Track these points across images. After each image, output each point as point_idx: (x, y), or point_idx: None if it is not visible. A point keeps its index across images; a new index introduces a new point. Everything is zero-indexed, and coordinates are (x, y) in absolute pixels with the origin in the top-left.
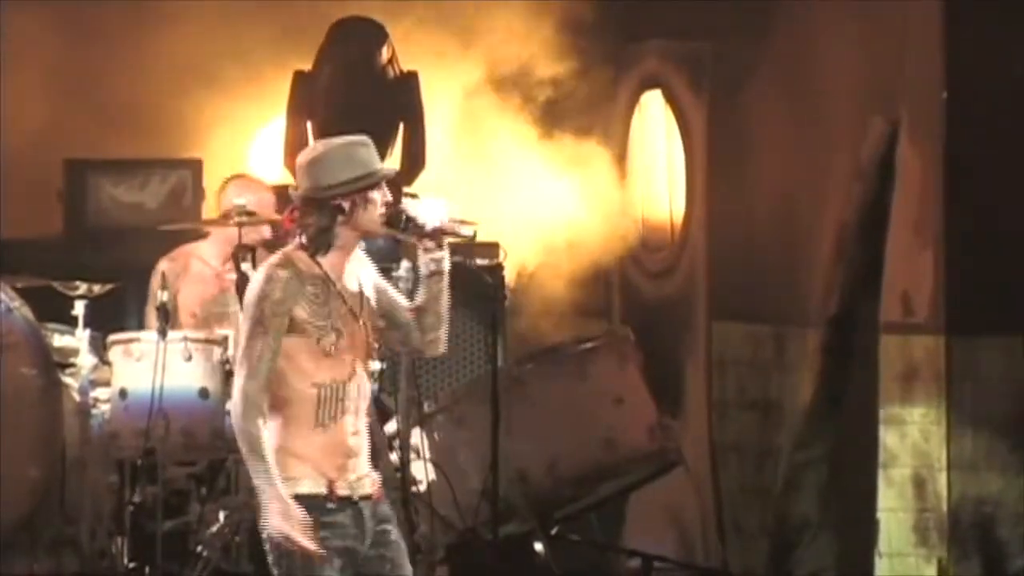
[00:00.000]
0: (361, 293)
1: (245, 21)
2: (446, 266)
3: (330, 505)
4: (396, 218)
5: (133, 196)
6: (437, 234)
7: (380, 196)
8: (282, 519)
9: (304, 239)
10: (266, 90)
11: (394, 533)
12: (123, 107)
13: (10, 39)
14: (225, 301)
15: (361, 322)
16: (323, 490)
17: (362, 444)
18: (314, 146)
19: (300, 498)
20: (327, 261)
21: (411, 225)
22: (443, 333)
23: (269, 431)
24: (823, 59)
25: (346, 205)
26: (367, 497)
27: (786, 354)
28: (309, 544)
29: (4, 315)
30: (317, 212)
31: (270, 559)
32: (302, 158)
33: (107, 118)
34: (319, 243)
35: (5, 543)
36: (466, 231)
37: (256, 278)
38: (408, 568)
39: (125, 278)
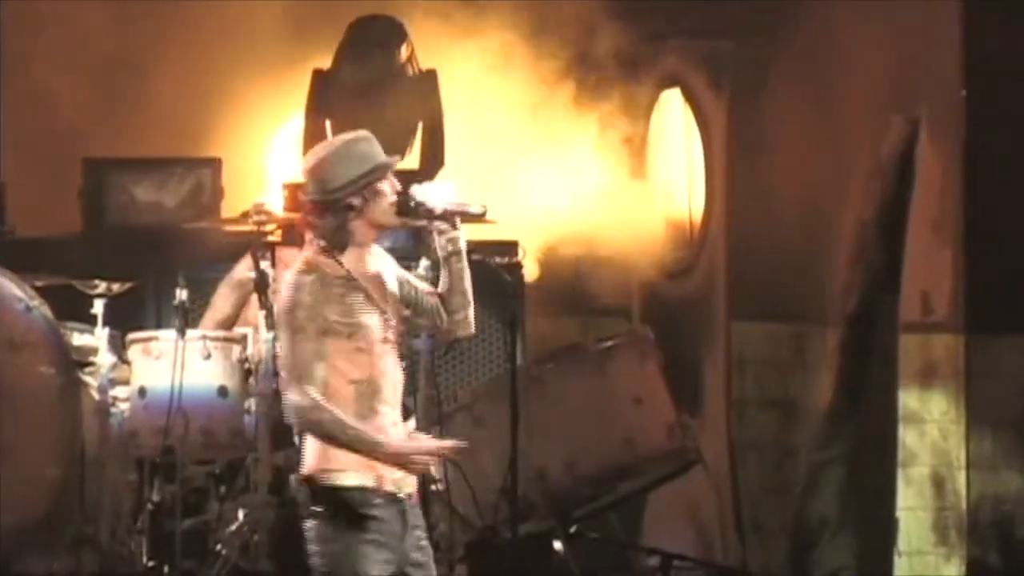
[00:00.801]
0: (383, 286)
1: (263, 20)
2: (463, 245)
3: (376, 500)
4: (405, 204)
5: (152, 195)
6: (448, 215)
7: (389, 187)
8: (408, 457)
9: (322, 241)
10: (285, 89)
11: (424, 540)
12: (142, 106)
13: (30, 39)
14: None
15: (387, 315)
16: (371, 483)
17: (401, 437)
18: (315, 150)
19: (345, 490)
20: (347, 259)
21: (421, 209)
22: (471, 312)
23: None
24: (843, 58)
25: (356, 202)
26: (409, 496)
27: (805, 353)
28: (446, 443)
29: (23, 314)
30: (329, 214)
31: (314, 554)
32: (307, 163)
33: (126, 117)
34: (336, 243)
35: (25, 542)
36: (475, 210)
37: (285, 288)
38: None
39: (144, 277)
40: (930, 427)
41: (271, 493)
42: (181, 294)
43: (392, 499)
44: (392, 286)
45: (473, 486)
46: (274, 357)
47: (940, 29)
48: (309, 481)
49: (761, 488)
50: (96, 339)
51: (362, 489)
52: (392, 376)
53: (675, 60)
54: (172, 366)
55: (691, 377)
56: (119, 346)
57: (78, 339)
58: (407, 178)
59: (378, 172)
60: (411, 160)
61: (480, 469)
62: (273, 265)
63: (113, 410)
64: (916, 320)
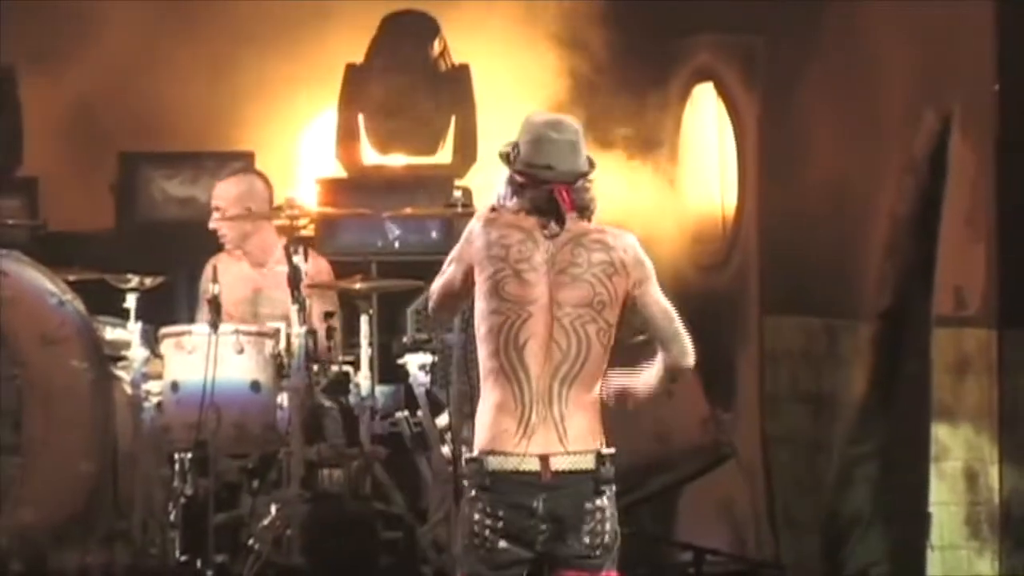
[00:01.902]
0: None
1: (295, 14)
2: None
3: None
4: None
5: (185, 189)
6: None
7: None
8: None
9: (589, 215)
10: (317, 83)
11: None
12: (175, 100)
13: (63, 36)
14: (257, 301)
15: None
16: None
17: None
18: (566, 116)
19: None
20: None
21: None
22: None
23: (595, 405)
24: (875, 52)
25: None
26: None
27: (838, 347)
28: None
29: (56, 308)
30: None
31: (609, 532)
32: (577, 131)
33: (159, 111)
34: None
35: (58, 536)
36: None
37: (639, 250)
38: None
39: (177, 271)
40: (963, 421)
41: (304, 487)
42: (214, 288)
43: None
44: None
45: None
46: (306, 351)
47: (973, 23)
48: (610, 459)
49: (794, 483)
50: (129, 333)
51: None
52: None
53: (708, 55)
54: (205, 360)
55: (724, 372)
56: (152, 340)
57: (111, 333)
58: (441, 172)
59: None
60: (444, 155)
61: None
62: (306, 260)
63: (146, 404)
64: (949, 314)
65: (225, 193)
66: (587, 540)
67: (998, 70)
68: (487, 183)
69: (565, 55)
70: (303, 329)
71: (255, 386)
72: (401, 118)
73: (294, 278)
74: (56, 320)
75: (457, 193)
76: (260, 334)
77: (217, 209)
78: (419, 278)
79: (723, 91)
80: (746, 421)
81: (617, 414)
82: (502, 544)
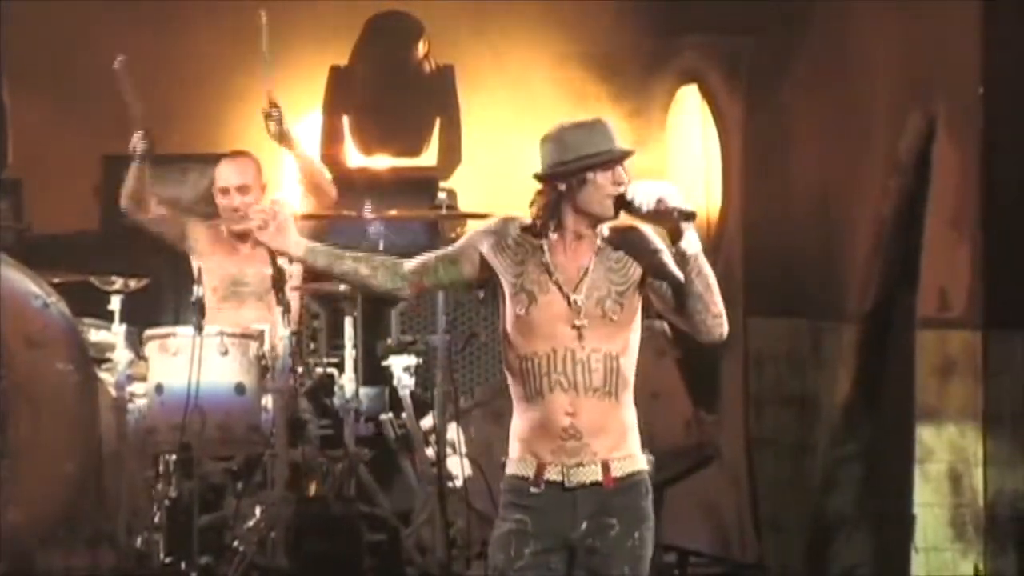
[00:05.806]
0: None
1: (282, 15)
2: (687, 247)
3: (533, 490)
4: (621, 200)
5: (170, 191)
6: (653, 216)
7: (607, 178)
8: None
9: (535, 218)
10: (302, 85)
11: (617, 528)
12: (160, 102)
13: (49, 39)
14: (244, 280)
15: (575, 299)
16: (529, 473)
17: (586, 427)
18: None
19: (506, 479)
20: (548, 240)
21: (631, 207)
22: (711, 317)
23: None
24: (860, 54)
25: (563, 187)
26: (591, 484)
27: (822, 349)
28: None
29: (40, 310)
30: (543, 193)
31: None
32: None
33: (145, 114)
34: (541, 221)
35: (43, 538)
36: (676, 209)
37: None
38: (620, 569)
39: (161, 273)
40: (947, 423)
41: (288, 489)
42: (198, 290)
43: (557, 488)
44: (597, 278)
45: (490, 482)
46: (292, 354)
47: (958, 25)
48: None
49: (778, 484)
50: (113, 335)
51: (519, 478)
52: (572, 359)
53: (693, 56)
54: (189, 363)
55: (708, 373)
56: (136, 342)
57: (95, 335)
58: (426, 174)
59: (583, 162)
60: (428, 156)
61: (497, 466)
62: (290, 262)
63: (130, 406)
64: (933, 316)
65: (244, 171)
66: None
67: (983, 72)
68: (471, 185)
69: (550, 57)
70: (287, 331)
71: (239, 388)
72: (385, 120)
73: (279, 280)
74: (40, 322)
75: (442, 195)
76: (244, 336)
77: (238, 189)
78: None
79: (708, 93)
80: (730, 423)
81: None
82: None
